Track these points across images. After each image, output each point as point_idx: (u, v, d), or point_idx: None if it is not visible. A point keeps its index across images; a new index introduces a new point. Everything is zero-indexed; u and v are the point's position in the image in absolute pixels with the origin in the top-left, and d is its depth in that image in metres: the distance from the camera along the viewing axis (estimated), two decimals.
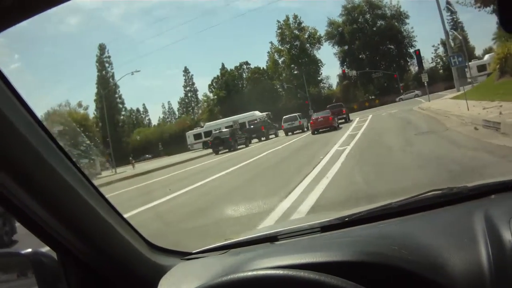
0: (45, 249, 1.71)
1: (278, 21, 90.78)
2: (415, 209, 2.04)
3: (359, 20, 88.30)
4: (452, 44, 50.92)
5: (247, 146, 39.24)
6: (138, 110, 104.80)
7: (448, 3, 74.21)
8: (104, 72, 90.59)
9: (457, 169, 8.31)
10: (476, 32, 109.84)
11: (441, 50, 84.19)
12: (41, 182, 1.45)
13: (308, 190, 9.73)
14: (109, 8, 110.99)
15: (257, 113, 57.50)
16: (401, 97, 71.73)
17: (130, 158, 53.38)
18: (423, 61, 48.25)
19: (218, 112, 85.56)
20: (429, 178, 8.09)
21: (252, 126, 47.29)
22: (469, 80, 43.53)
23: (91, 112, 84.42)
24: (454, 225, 1.73)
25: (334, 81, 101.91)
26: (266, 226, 6.78)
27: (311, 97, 79.53)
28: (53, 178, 1.49)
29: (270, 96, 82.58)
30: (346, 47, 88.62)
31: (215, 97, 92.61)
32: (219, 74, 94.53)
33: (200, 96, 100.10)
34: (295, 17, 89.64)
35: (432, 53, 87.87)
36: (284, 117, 46.20)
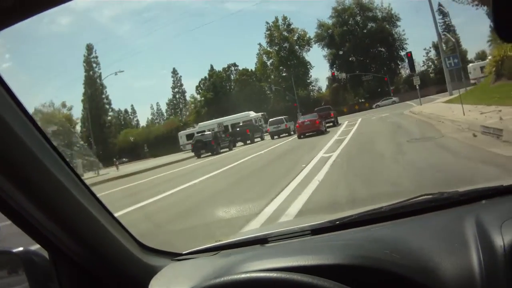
0: (35, 247, 1.69)
1: (267, 23, 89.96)
2: (406, 213, 2.04)
3: (350, 22, 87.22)
4: (445, 47, 49.54)
5: (230, 149, 37.94)
6: (126, 111, 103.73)
7: (440, 5, 73.08)
8: (91, 73, 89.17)
9: (461, 186, 6.83)
10: (468, 35, 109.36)
11: (432, 53, 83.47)
12: (34, 181, 1.46)
13: (277, 215, 7.97)
14: (99, 8, 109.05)
15: (252, 113, 56.50)
16: (378, 103, 71.34)
17: (114, 159, 52.15)
18: (414, 64, 46.74)
19: (205, 113, 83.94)
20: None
21: (238, 129, 45.93)
22: (472, 81, 42.56)
23: (76, 112, 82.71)
24: (445, 230, 1.74)
25: (323, 84, 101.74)
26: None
27: (299, 100, 78.66)
28: (47, 177, 1.49)
29: (258, 98, 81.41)
30: (336, 50, 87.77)
31: (202, 98, 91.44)
32: (206, 75, 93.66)
33: (188, 97, 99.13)
34: (284, 18, 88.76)
35: (424, 56, 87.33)
36: (269, 120, 44.93)
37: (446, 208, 2.00)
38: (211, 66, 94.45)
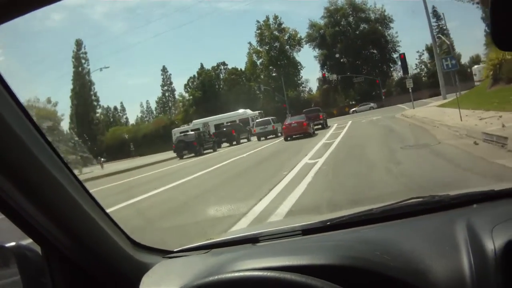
0: (27, 241, 1.69)
1: (258, 21, 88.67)
2: (397, 216, 2.05)
3: (342, 23, 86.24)
4: (439, 50, 48.35)
5: (214, 150, 36.61)
6: (115, 108, 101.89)
7: (434, 8, 72.15)
8: (80, 69, 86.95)
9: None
10: (462, 40, 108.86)
11: (426, 56, 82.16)
12: (29, 176, 1.47)
13: None
14: (91, 5, 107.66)
15: (248, 111, 55.96)
16: (354, 109, 70.79)
17: (99, 157, 50.87)
18: (407, 66, 45.67)
19: (194, 112, 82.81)
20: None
21: (225, 129, 44.54)
22: (477, 83, 41.49)
23: (62, 109, 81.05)
24: (436, 233, 1.75)
25: (313, 85, 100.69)
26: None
27: (289, 101, 77.56)
28: (42, 173, 1.50)
29: (247, 98, 79.71)
30: (327, 50, 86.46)
31: (191, 97, 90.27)
32: (195, 74, 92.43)
33: (177, 96, 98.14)
34: (276, 17, 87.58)
35: (416, 59, 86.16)
36: (256, 120, 43.79)
37: (437, 211, 2.01)
38: (201, 65, 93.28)
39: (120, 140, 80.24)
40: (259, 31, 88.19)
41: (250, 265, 1.70)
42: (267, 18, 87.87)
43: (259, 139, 40.28)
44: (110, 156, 66.25)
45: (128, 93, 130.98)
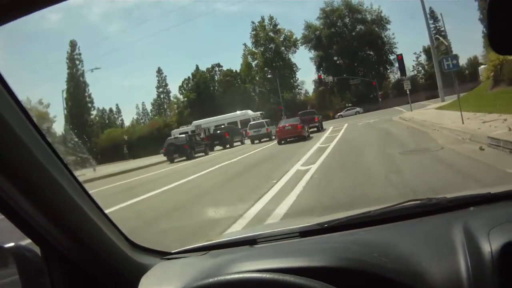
0: (26, 241, 1.69)
1: (253, 22, 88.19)
2: (394, 218, 2.07)
3: (338, 24, 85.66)
4: (436, 52, 47.52)
5: (206, 154, 35.40)
6: (111, 110, 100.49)
7: (431, 9, 71.44)
8: (74, 70, 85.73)
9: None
10: (459, 41, 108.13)
11: (423, 58, 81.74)
12: (29, 178, 1.47)
13: None
14: (88, 6, 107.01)
15: (250, 112, 55.19)
16: (340, 114, 70.27)
17: (91, 160, 49.44)
18: (404, 67, 44.85)
19: (188, 114, 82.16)
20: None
21: (219, 132, 43.18)
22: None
23: (54, 110, 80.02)
24: (434, 235, 1.77)
25: (309, 87, 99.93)
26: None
27: (285, 103, 76.83)
28: (41, 173, 1.50)
29: (242, 99, 78.57)
30: (323, 52, 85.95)
31: (185, 99, 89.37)
32: (190, 75, 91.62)
33: (172, 97, 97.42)
34: (271, 18, 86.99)
35: (414, 60, 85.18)
36: (249, 123, 42.37)
37: (434, 214, 2.02)
38: (197, 67, 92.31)
39: (114, 142, 78.69)
40: (254, 32, 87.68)
41: (248, 266, 1.70)
42: (262, 19, 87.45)
43: (252, 142, 39.09)
44: (104, 158, 65.36)
45: (124, 95, 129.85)
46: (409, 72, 77.34)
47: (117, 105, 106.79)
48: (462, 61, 74.58)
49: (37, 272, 1.71)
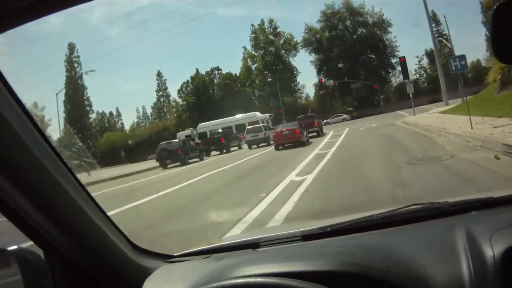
0: (27, 244, 1.70)
1: (252, 25, 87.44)
2: (396, 222, 2.07)
3: (339, 27, 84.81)
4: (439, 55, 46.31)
5: (201, 159, 34.14)
6: (111, 113, 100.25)
7: (433, 11, 70.32)
8: (73, 73, 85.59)
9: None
10: (461, 45, 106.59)
11: (425, 62, 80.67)
12: (32, 180, 1.47)
13: None
14: (90, 9, 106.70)
15: (258, 114, 53.63)
16: (327, 120, 68.48)
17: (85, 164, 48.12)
18: (407, 70, 43.59)
19: (187, 118, 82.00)
20: None
21: (216, 136, 41.81)
22: None
23: (49, 113, 79.24)
24: (436, 240, 1.76)
25: (310, 91, 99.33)
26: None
27: (285, 107, 75.83)
28: (44, 176, 1.51)
29: (241, 103, 77.55)
30: (323, 55, 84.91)
31: (184, 102, 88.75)
32: (189, 79, 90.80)
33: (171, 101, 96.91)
34: (271, 21, 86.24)
35: (416, 64, 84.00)
36: (246, 127, 40.94)
37: (436, 218, 2.02)
38: (197, 70, 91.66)
39: (112, 146, 78.19)
40: (253, 35, 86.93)
41: (251, 270, 1.70)
42: (262, 22, 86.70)
43: (250, 147, 37.78)
44: (102, 162, 64.54)
45: (125, 98, 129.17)
46: (411, 76, 76.14)
47: (117, 108, 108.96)
48: None
49: (40, 274, 1.69)
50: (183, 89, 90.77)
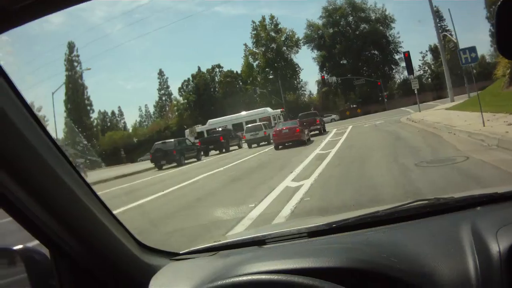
0: (33, 243, 1.70)
1: (253, 22, 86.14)
2: (402, 218, 2.07)
3: (341, 23, 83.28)
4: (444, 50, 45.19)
5: (198, 159, 32.98)
6: (113, 113, 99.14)
7: (436, 6, 69.24)
8: (73, 72, 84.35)
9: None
10: (465, 41, 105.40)
11: (429, 57, 79.64)
12: (36, 178, 1.48)
13: None
14: (91, 8, 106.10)
15: (269, 109, 52.82)
16: None
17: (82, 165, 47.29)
18: (412, 65, 42.37)
19: (188, 117, 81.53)
20: None
21: (215, 135, 40.34)
22: None
23: (46, 113, 78.57)
24: (442, 235, 1.76)
25: (312, 88, 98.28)
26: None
27: (287, 104, 74.65)
28: (50, 176, 1.52)
29: (243, 101, 77.15)
30: (326, 52, 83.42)
31: (185, 101, 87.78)
32: (190, 77, 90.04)
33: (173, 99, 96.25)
34: (272, 18, 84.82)
35: (420, 60, 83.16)
36: (246, 126, 39.84)
37: (442, 214, 2.02)
38: (199, 68, 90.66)
39: (113, 146, 77.94)
40: (254, 32, 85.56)
41: (257, 267, 1.69)
42: (263, 18, 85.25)
43: (250, 147, 36.54)
44: (103, 162, 63.78)
45: (127, 97, 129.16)
46: (415, 72, 75.50)
47: (119, 107, 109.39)
48: None
49: (46, 273, 1.70)
50: (184, 87, 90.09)
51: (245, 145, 38.91)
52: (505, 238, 1.47)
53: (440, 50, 46.15)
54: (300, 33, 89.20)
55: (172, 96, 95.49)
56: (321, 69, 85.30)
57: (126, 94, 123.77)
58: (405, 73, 76.21)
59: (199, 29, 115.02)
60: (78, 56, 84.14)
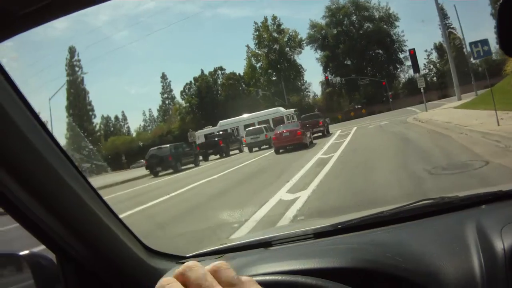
0: (39, 248, 1.69)
1: (255, 23, 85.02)
2: (407, 218, 2.07)
3: (344, 22, 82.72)
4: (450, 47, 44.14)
5: (196, 165, 31.71)
6: (116, 117, 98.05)
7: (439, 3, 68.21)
8: (74, 77, 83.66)
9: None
10: (470, 39, 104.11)
11: (434, 56, 78.61)
12: (42, 182, 1.47)
13: None
14: (95, 12, 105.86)
15: (282, 109, 51.97)
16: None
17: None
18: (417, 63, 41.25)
19: (190, 120, 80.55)
20: None
21: (216, 139, 38.97)
22: None
23: (43, 117, 77.87)
24: (446, 234, 1.77)
25: (316, 89, 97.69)
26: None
27: (291, 106, 72.86)
28: (54, 179, 1.50)
29: (246, 104, 75.83)
30: (329, 52, 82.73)
31: (187, 104, 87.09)
32: (192, 80, 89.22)
33: (173, 103, 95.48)
34: (274, 18, 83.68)
35: (425, 58, 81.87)
36: (246, 129, 38.48)
37: (446, 213, 2.02)
38: (202, 71, 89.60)
39: (114, 151, 76.27)
40: (257, 33, 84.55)
41: (264, 269, 1.72)
42: (265, 19, 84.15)
43: (250, 151, 35.20)
44: (104, 168, 62.72)
45: (131, 101, 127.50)
46: (421, 71, 74.35)
47: (122, 112, 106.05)
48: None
49: (53, 279, 1.69)
50: (186, 90, 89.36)
51: (246, 149, 37.62)
52: (510, 235, 1.48)
53: (446, 48, 45.17)
54: (303, 33, 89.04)
55: (175, 100, 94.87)
56: (324, 70, 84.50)
57: (129, 99, 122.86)
58: (410, 72, 75.87)
59: (201, 31, 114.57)
60: (79, 60, 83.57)
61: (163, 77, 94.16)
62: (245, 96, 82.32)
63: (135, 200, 15.95)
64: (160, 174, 29.23)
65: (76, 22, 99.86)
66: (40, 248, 1.67)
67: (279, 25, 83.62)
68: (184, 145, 33.98)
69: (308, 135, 27.99)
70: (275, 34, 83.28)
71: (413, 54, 37.96)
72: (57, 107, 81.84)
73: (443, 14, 68.61)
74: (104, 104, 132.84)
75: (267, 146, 34.19)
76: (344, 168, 13.63)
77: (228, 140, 38.20)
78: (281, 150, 26.54)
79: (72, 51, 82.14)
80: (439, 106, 36.23)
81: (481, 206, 1.95)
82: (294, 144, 26.02)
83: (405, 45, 79.80)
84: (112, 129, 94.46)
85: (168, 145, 31.63)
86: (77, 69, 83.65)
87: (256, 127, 37.78)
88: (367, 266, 1.60)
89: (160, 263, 2.04)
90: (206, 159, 35.39)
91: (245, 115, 53.38)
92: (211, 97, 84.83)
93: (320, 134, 34.48)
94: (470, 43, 16.46)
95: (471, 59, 16.75)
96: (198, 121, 75.27)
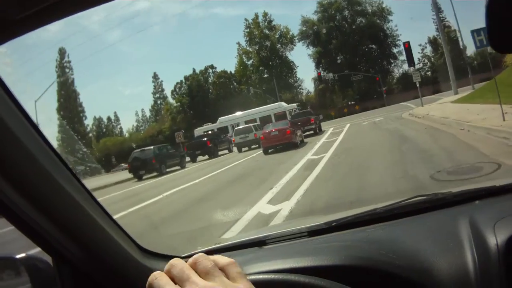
0: (35, 250, 1.68)
1: (246, 20, 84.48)
2: (401, 214, 2.10)
3: (337, 17, 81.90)
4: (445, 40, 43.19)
5: (182, 167, 30.39)
6: (109, 118, 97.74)
7: None
8: (64, 78, 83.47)
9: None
10: (464, 33, 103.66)
11: (428, 50, 77.69)
12: (35, 184, 1.46)
13: None
14: (88, 14, 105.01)
15: (283, 104, 50.66)
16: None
17: None
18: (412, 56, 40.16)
19: (181, 120, 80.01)
20: None
21: (204, 139, 37.38)
22: None
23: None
24: (440, 230, 1.79)
25: (308, 85, 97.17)
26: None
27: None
28: (49, 181, 1.50)
29: (237, 102, 75.09)
30: (321, 48, 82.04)
31: (178, 104, 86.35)
32: (182, 79, 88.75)
33: (164, 103, 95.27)
34: (265, 15, 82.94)
35: (419, 52, 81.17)
36: (235, 128, 37.34)
37: (440, 209, 2.04)
38: (194, 70, 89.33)
39: (105, 153, 76.04)
40: (247, 30, 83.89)
41: (258, 268, 1.72)
42: (256, 15, 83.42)
43: (240, 150, 34.08)
44: (95, 170, 61.65)
45: (123, 102, 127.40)
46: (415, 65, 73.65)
47: (115, 113, 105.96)
48: (470, 51, 71.33)
49: (49, 281, 1.69)
50: (177, 90, 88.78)
51: (235, 149, 36.44)
52: (503, 230, 1.50)
53: (441, 42, 44.13)
54: (295, 30, 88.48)
55: (166, 100, 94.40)
56: (317, 66, 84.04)
57: (122, 99, 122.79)
58: (404, 66, 75.44)
59: (193, 31, 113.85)
60: (69, 62, 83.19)
61: (155, 76, 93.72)
62: (237, 94, 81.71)
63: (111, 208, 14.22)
64: (144, 177, 27.99)
65: (67, 23, 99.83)
66: (36, 250, 1.61)
67: (270, 21, 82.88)
68: (168, 146, 32.68)
69: (298, 134, 26.71)
70: (266, 31, 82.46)
71: (407, 47, 36.92)
72: (44, 109, 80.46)
73: (436, 8, 68.26)
74: (96, 105, 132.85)
75: (257, 145, 32.64)
76: (335, 172, 12.32)
77: (216, 140, 36.97)
78: (270, 150, 25.26)
79: (62, 52, 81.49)
80: (435, 101, 35.33)
81: (475, 202, 1.97)
82: (283, 143, 24.71)
83: (399, 40, 79.02)
84: (104, 130, 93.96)
85: (151, 147, 30.42)
86: (67, 70, 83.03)
87: (245, 126, 36.58)
88: (361, 264, 1.61)
89: (155, 264, 1.97)
90: (194, 160, 34.14)
91: (246, 111, 51.68)
92: (202, 96, 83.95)
93: (312, 132, 33.26)
94: (472, 31, 15.09)
95: (474, 47, 15.31)
96: (189, 120, 74.96)
